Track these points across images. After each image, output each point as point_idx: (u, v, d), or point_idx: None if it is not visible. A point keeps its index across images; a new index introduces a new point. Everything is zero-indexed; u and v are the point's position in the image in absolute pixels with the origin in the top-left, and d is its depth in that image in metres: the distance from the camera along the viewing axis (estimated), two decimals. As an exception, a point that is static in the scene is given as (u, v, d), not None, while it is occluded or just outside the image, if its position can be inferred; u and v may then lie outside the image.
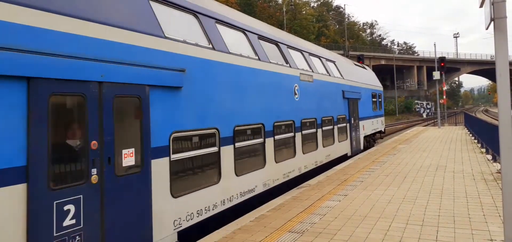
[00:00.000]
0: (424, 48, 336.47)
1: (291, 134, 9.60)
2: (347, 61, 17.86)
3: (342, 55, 43.46)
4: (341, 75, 14.45)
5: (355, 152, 15.07)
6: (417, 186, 8.48)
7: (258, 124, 8.03)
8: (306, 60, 11.44)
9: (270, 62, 8.83)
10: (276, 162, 8.66)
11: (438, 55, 34.73)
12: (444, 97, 34.63)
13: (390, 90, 77.96)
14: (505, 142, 3.98)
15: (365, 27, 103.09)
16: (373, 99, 19.37)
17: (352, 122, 14.95)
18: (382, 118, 21.83)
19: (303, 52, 11.60)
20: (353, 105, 15.20)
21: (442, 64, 29.07)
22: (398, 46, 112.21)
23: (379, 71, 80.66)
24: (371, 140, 19.25)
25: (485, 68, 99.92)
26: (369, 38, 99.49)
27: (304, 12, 69.57)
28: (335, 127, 12.88)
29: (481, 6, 4.36)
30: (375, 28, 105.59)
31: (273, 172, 8.50)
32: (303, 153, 10.17)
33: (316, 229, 5.80)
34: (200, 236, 5.97)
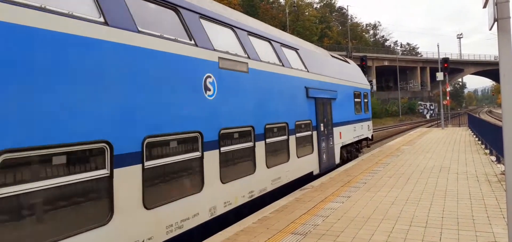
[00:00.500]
0: (427, 49, 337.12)
1: (195, 154, 6.11)
2: (321, 52, 14.29)
3: (345, 55, 43.54)
4: (305, 67, 10.93)
5: (325, 169, 11.64)
6: (420, 187, 8.45)
7: (96, 143, 4.45)
8: (240, 42, 7.99)
9: (140, 32, 5.23)
10: (148, 208, 5.04)
11: (442, 56, 34.61)
12: (448, 98, 34.55)
13: (394, 91, 77.94)
14: (509, 143, 3.96)
15: (368, 28, 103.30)
16: (356, 99, 15.86)
17: (322, 129, 11.54)
18: (369, 123, 18.21)
19: (236, 29, 8.05)
20: (324, 107, 11.85)
21: (446, 65, 29.11)
22: (401, 47, 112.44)
23: (382, 72, 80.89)
24: (354, 150, 15.79)
25: (489, 69, 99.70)
26: (372, 39, 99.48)
27: (307, 13, 69.58)
28: (291, 137, 9.46)
29: (484, 6, 4.34)
30: (378, 29, 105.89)
31: (137, 227, 4.86)
32: (223, 183, 6.70)
33: (319, 231, 5.79)
34: (202, 237, 5.98)
